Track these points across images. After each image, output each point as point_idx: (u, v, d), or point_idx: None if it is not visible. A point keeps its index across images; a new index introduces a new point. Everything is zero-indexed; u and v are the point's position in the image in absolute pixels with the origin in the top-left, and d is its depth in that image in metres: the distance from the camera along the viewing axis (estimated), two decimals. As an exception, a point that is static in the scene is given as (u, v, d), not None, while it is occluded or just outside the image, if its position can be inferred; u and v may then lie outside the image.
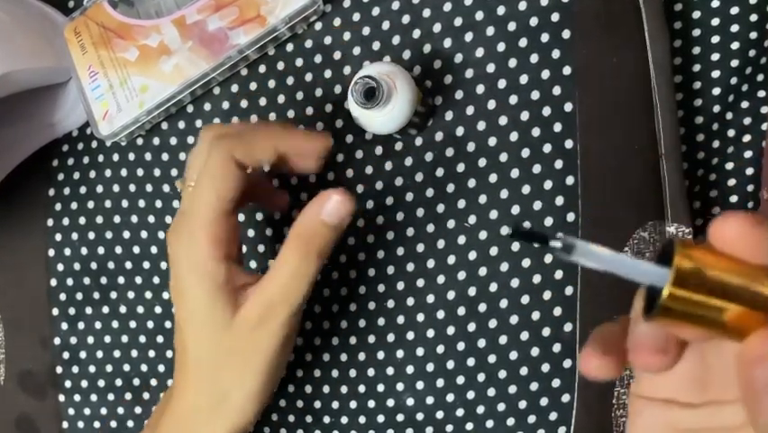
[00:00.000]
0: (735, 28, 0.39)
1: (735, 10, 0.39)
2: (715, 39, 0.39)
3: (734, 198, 0.41)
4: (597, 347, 0.21)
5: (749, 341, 0.18)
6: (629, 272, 0.19)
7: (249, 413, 0.34)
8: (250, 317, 0.32)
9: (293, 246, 0.32)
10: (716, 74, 0.40)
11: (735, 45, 0.39)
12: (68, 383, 0.46)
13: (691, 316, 0.19)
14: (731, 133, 0.40)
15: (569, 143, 0.37)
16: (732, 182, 0.41)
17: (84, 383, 0.45)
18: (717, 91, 0.40)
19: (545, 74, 0.37)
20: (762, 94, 0.40)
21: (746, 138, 0.40)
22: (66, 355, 0.46)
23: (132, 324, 0.45)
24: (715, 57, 0.39)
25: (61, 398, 0.46)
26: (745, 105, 0.40)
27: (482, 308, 0.38)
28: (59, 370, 0.46)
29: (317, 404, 0.42)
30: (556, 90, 0.37)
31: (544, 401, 0.38)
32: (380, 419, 0.41)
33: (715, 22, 0.39)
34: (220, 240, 0.32)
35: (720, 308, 0.18)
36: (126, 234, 0.44)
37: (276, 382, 0.34)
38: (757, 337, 0.18)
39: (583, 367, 0.21)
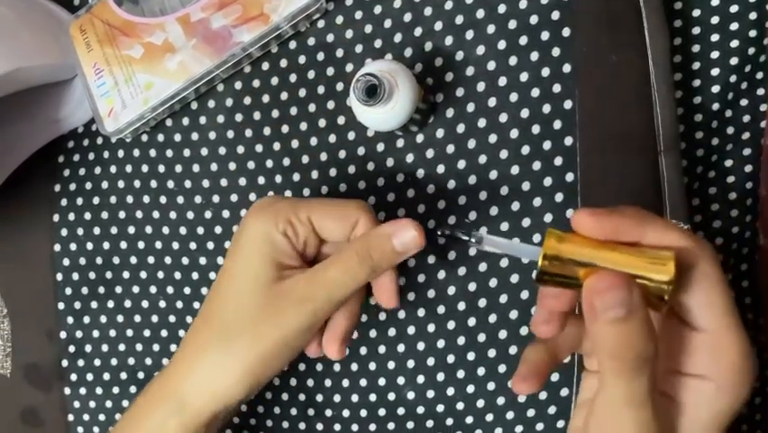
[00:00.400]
0: (734, 26, 0.39)
1: (734, 8, 0.39)
2: (714, 37, 0.40)
3: (732, 195, 0.41)
4: (522, 372, 0.29)
5: (588, 281, 0.25)
6: (518, 253, 0.28)
7: (235, 389, 0.33)
8: (289, 290, 0.33)
9: (356, 249, 0.33)
10: (715, 72, 0.40)
11: (734, 43, 0.39)
12: (73, 377, 0.46)
13: (560, 279, 0.27)
14: (730, 130, 0.41)
15: (568, 140, 0.37)
16: (731, 179, 0.41)
17: (89, 377, 0.46)
18: (716, 89, 0.40)
19: (545, 72, 0.37)
20: (761, 92, 0.40)
21: (745, 135, 0.41)
22: (71, 349, 0.46)
23: (137, 318, 0.45)
24: (714, 55, 0.40)
25: (67, 391, 0.46)
26: (744, 102, 0.40)
27: (482, 303, 0.39)
28: (64, 363, 0.46)
29: (319, 397, 0.42)
30: (556, 88, 0.37)
31: (542, 395, 0.38)
32: (382, 412, 0.41)
33: (714, 20, 0.39)
34: (294, 229, 0.34)
35: (577, 271, 0.26)
36: (131, 230, 0.45)
37: (273, 369, 0.33)
38: (592, 278, 0.25)
39: (516, 390, 0.29)
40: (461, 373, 0.39)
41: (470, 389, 0.39)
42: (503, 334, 0.39)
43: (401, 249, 0.33)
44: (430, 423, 0.40)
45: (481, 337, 0.39)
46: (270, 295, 0.33)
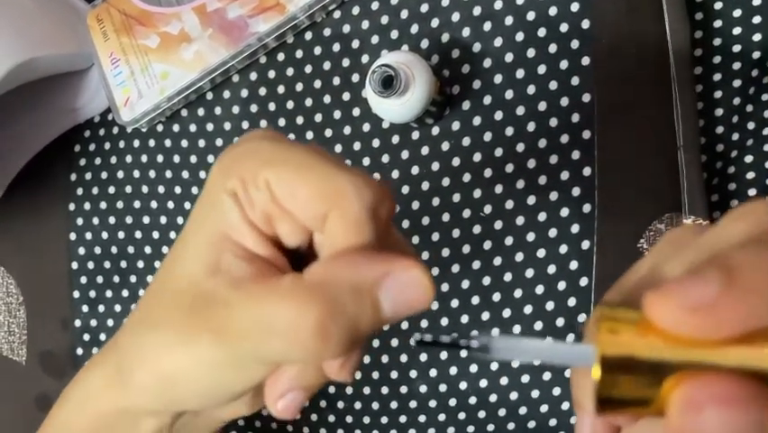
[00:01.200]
0: (756, 19, 0.38)
1: (757, 1, 0.38)
2: (736, 30, 0.39)
3: (752, 192, 0.40)
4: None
5: (679, 390, 0.15)
6: (554, 358, 0.17)
7: (145, 396, 0.24)
8: (213, 303, 0.21)
9: (314, 307, 0.19)
10: (736, 66, 0.39)
11: (756, 37, 0.38)
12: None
13: (632, 398, 0.16)
14: (751, 125, 0.40)
15: (586, 134, 0.37)
16: (751, 175, 0.40)
17: (103, 365, 0.46)
18: (737, 83, 0.39)
19: (564, 64, 0.37)
20: (783, 86, 0.39)
21: (766, 131, 0.40)
22: (86, 338, 0.46)
23: (151, 307, 0.45)
24: (736, 48, 0.39)
25: (81, 379, 0.47)
26: (765, 97, 0.39)
27: (496, 297, 0.39)
28: (79, 351, 0.47)
29: (331, 389, 0.42)
30: (574, 80, 0.37)
31: (556, 391, 0.38)
32: (394, 405, 0.41)
33: (737, 13, 0.39)
34: (246, 191, 0.22)
35: (659, 381, 0.16)
36: (146, 220, 0.45)
37: (193, 396, 0.23)
38: (688, 384, 0.15)
39: None
40: (473, 368, 0.39)
41: (483, 383, 0.39)
42: (517, 329, 0.38)
43: (390, 313, 0.20)
44: (442, 417, 0.40)
45: (494, 332, 0.39)
46: (197, 295, 0.21)
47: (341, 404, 0.42)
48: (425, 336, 0.18)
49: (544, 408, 0.39)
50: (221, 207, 0.22)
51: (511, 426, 0.39)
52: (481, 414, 0.40)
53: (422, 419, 0.41)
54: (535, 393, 0.39)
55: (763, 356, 0.14)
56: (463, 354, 0.39)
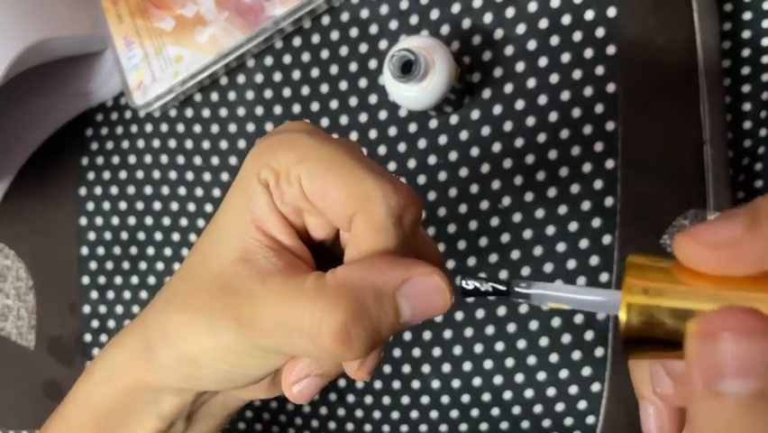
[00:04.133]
0: (789, 11, 0.37)
1: (789, -8, 0.37)
2: (766, 23, 0.38)
3: (780, 189, 0.39)
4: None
5: (696, 322, 0.15)
6: (584, 305, 0.19)
7: (166, 371, 0.25)
8: (236, 292, 0.22)
9: (339, 305, 0.20)
10: (765, 60, 0.38)
11: (788, 29, 0.37)
12: (95, 351, 0.46)
13: (661, 342, 0.17)
14: (780, 121, 0.39)
15: (610, 125, 0.36)
16: (778, 172, 0.39)
17: (111, 352, 0.46)
18: (766, 77, 0.38)
19: (588, 53, 0.36)
20: (814, 81, 0.38)
21: (796, 127, 0.39)
22: (95, 324, 0.46)
23: (160, 295, 0.45)
24: (765, 42, 0.38)
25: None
26: (795, 92, 0.38)
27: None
28: (87, 338, 0.46)
29: (342, 382, 0.41)
30: (599, 70, 0.36)
31: (573, 390, 0.37)
32: (405, 400, 0.40)
33: (767, 5, 0.38)
34: (278, 182, 0.23)
35: (682, 328, 0.16)
36: (157, 206, 0.44)
37: (211, 374, 0.24)
38: (707, 316, 0.15)
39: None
40: (488, 364, 0.38)
41: (498, 380, 0.38)
42: (534, 325, 0.37)
43: (409, 317, 0.21)
44: (455, 413, 0.39)
45: (511, 328, 0.38)
46: (225, 282, 0.22)
47: (351, 398, 0.41)
48: (467, 282, 0.20)
49: (559, 406, 0.37)
50: (253, 194, 0.22)
51: (525, 424, 0.38)
52: (495, 411, 0.39)
53: (434, 415, 0.40)
54: (551, 391, 0.38)
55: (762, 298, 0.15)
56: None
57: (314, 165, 0.21)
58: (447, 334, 0.39)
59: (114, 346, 0.26)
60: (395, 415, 0.40)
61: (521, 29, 0.36)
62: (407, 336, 0.40)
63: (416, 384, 0.40)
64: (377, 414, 0.41)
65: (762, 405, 0.13)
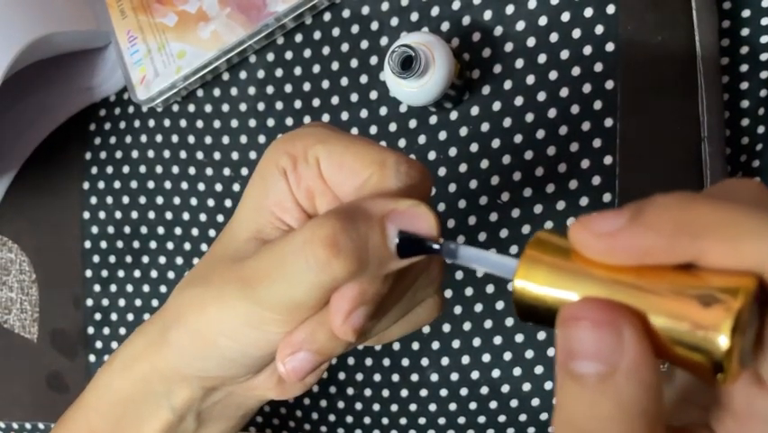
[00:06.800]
0: (787, 9, 0.37)
1: (788, -9, 0.37)
2: (765, 21, 0.38)
3: (777, 186, 0.39)
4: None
5: (561, 311, 0.17)
6: (494, 269, 0.20)
7: (183, 359, 0.25)
8: (242, 271, 0.23)
9: (318, 235, 0.21)
10: (764, 57, 0.38)
11: (786, 27, 0.37)
12: (98, 344, 0.47)
13: (544, 315, 0.18)
14: (778, 118, 0.39)
15: (608, 122, 0.36)
16: (776, 169, 0.39)
17: (114, 345, 0.46)
18: (764, 75, 0.38)
19: (587, 50, 0.36)
20: (812, 79, 0.38)
21: (794, 124, 0.39)
22: (98, 317, 0.46)
23: (163, 289, 0.45)
24: (764, 39, 0.38)
25: (91, 358, 0.47)
26: (793, 89, 0.39)
27: (511, 286, 0.38)
28: (90, 331, 0.47)
29: (341, 375, 0.42)
30: (598, 67, 0.36)
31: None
32: (404, 393, 0.41)
33: (765, 3, 0.38)
34: (297, 170, 0.24)
35: (564, 300, 0.18)
36: (159, 200, 0.45)
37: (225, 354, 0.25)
38: (566, 307, 0.17)
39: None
40: (486, 357, 0.39)
41: (496, 373, 0.39)
42: (532, 319, 0.38)
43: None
44: (453, 406, 0.40)
45: (509, 322, 0.38)
46: (236, 256, 0.24)
47: (350, 391, 0.42)
48: (406, 235, 0.21)
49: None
50: (270, 181, 0.24)
51: (523, 417, 0.39)
52: (493, 404, 0.39)
53: (432, 407, 0.40)
54: (549, 385, 0.38)
55: (634, 290, 0.16)
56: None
57: (333, 145, 0.23)
58: (446, 327, 0.39)
59: (136, 334, 0.27)
60: (394, 408, 0.41)
61: (521, 26, 0.37)
62: (407, 329, 0.40)
63: (414, 377, 0.40)
64: (376, 407, 0.41)
65: (606, 386, 0.15)
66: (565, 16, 0.36)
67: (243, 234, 0.24)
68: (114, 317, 0.46)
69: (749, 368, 0.17)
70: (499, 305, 0.38)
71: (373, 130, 0.40)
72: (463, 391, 0.39)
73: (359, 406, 0.42)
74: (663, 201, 0.17)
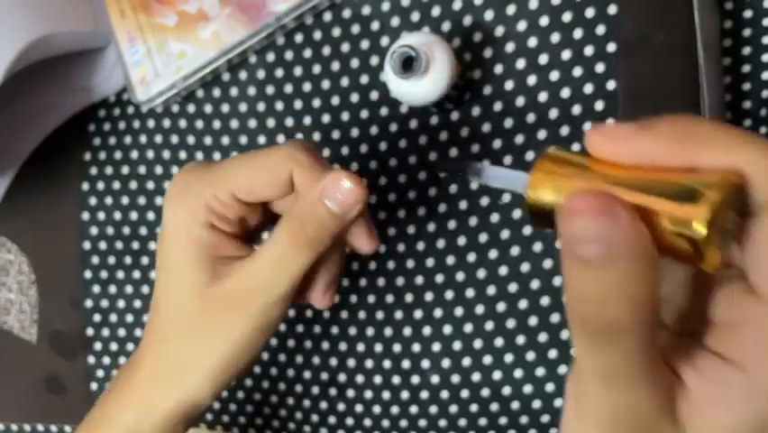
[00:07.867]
0: (790, 1, 0.37)
1: (790, -19, 0.37)
2: (766, 21, 0.38)
3: (779, 187, 0.39)
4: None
5: (563, 202, 0.18)
6: (516, 185, 0.22)
7: (203, 391, 0.30)
8: (225, 295, 0.29)
9: (287, 229, 0.28)
10: (766, 58, 0.38)
11: (789, 17, 0.37)
12: (97, 346, 0.46)
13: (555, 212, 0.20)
14: (780, 119, 0.39)
15: (610, 122, 0.36)
16: (778, 170, 0.39)
17: (113, 346, 0.46)
18: (766, 76, 0.38)
19: (589, 50, 0.36)
20: (814, 79, 0.38)
21: (796, 115, 0.39)
22: (97, 318, 0.46)
23: (162, 290, 0.45)
24: (766, 40, 0.38)
25: (91, 360, 0.46)
26: (796, 78, 0.38)
27: (513, 288, 0.38)
28: (89, 332, 0.46)
29: (342, 377, 0.41)
30: (599, 67, 0.36)
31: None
32: (405, 395, 0.40)
33: (767, 3, 0.38)
34: (220, 215, 0.29)
35: None
36: (159, 201, 0.44)
37: (242, 367, 0.30)
38: (567, 198, 0.18)
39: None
40: (487, 359, 0.39)
41: (497, 375, 0.38)
42: (533, 321, 0.38)
43: (339, 211, 0.27)
44: (454, 408, 0.40)
45: (510, 324, 0.38)
46: (208, 304, 0.29)
47: (351, 393, 0.41)
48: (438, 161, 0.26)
49: (558, 402, 0.38)
50: (202, 240, 0.29)
51: (524, 420, 0.38)
52: (494, 406, 0.39)
53: (433, 410, 0.40)
54: (550, 387, 0.38)
55: (633, 189, 0.18)
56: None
57: (229, 180, 0.29)
58: (447, 329, 0.39)
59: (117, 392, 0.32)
60: (394, 410, 0.41)
61: (522, 26, 0.37)
62: (407, 331, 0.40)
63: (415, 379, 0.40)
64: (376, 409, 0.41)
65: (609, 263, 0.17)
66: (566, 17, 0.36)
67: (199, 286, 0.29)
68: (113, 318, 0.46)
69: (736, 266, 0.19)
70: (500, 306, 0.38)
71: (374, 130, 0.40)
72: (464, 393, 0.39)
73: (359, 408, 0.41)
74: (671, 117, 0.19)
